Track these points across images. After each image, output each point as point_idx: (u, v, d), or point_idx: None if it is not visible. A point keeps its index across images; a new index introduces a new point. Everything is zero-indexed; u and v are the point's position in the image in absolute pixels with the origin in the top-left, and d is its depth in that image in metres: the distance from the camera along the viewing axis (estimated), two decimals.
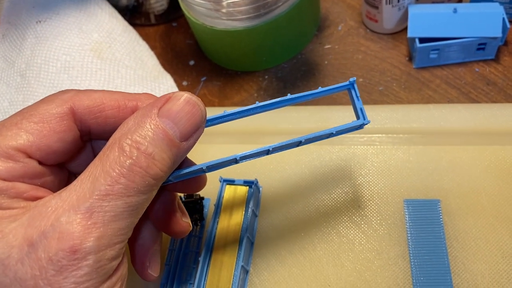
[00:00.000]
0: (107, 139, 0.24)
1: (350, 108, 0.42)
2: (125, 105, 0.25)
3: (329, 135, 0.28)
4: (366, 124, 0.28)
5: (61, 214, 0.20)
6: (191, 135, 0.24)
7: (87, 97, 0.24)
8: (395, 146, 0.38)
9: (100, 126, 0.25)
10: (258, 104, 0.27)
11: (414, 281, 0.32)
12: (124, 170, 0.21)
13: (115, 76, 0.43)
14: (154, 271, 0.28)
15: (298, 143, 0.28)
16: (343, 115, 0.41)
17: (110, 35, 0.46)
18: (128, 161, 0.21)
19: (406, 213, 0.35)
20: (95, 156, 0.27)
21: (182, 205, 0.30)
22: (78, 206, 0.20)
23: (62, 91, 0.24)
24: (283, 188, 0.38)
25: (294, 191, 0.38)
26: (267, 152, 0.27)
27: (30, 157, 0.23)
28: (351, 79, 0.29)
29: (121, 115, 0.25)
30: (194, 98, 0.24)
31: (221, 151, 0.41)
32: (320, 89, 0.28)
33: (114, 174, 0.21)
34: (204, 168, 0.26)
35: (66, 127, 0.23)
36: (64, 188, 0.21)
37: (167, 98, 0.23)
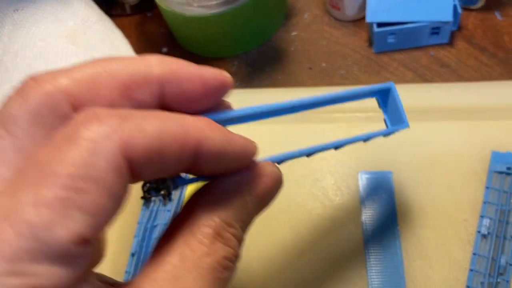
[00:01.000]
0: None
1: (314, 90, 0.44)
2: (186, 142, 0.17)
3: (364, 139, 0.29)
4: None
5: None
6: None
7: (141, 135, 0.15)
8: (352, 123, 0.40)
9: (154, 174, 0.17)
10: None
11: (365, 246, 0.34)
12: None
13: None
14: None
15: (335, 147, 0.28)
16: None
17: (85, 23, 0.48)
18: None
19: (360, 184, 0.37)
20: None
21: None
22: None
23: (94, 112, 0.15)
24: None
25: None
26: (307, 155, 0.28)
27: (88, 243, 0.15)
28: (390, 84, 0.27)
29: (182, 158, 0.17)
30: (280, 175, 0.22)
31: None
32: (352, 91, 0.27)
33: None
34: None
35: (123, 188, 0.16)
36: None
37: (256, 176, 0.21)
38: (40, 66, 0.44)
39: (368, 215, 0.36)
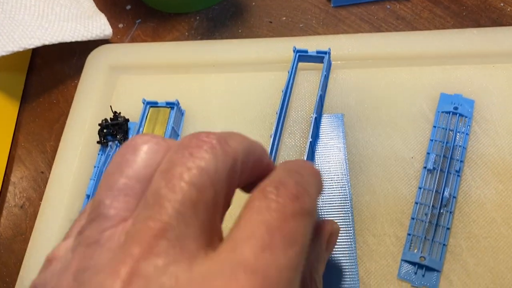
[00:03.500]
0: None
1: (272, 40, 0.44)
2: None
3: None
4: None
5: None
6: None
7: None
8: (307, 71, 0.41)
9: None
10: None
11: None
12: None
13: (49, 13, 0.45)
14: None
15: None
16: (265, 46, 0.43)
17: None
18: None
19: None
20: None
21: None
22: None
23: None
24: (205, 112, 0.41)
25: (215, 115, 0.41)
26: None
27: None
28: None
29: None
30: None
31: (158, 82, 0.44)
32: None
33: None
34: None
35: None
36: None
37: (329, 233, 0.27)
38: None
39: (320, 154, 0.37)
